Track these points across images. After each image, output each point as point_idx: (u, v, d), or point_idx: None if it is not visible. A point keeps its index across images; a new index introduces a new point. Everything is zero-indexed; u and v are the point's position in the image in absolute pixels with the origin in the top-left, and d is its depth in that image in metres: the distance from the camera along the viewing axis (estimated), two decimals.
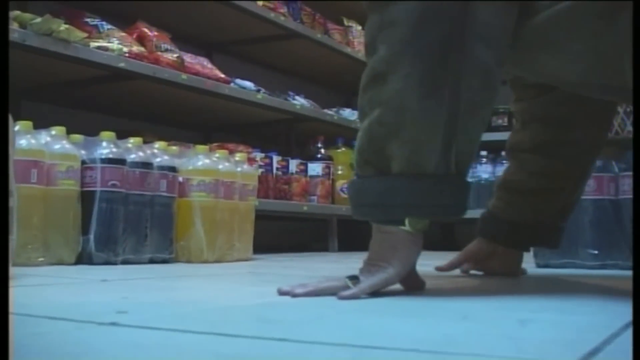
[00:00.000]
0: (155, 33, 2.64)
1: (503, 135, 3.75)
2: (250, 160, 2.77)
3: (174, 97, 2.79)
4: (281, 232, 3.68)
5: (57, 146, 1.80)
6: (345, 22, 3.93)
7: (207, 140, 3.28)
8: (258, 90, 2.99)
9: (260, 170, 2.86)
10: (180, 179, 2.12)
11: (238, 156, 2.36)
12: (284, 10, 3.27)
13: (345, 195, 3.44)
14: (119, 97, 2.79)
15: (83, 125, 2.77)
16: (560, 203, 1.62)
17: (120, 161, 1.91)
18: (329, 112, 3.53)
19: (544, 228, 1.63)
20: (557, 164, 1.57)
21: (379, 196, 1.11)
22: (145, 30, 2.61)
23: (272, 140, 3.52)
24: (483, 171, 3.92)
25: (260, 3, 3.11)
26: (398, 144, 1.08)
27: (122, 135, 2.65)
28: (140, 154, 2.00)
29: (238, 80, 3.01)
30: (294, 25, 3.29)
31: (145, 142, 2.24)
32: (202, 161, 2.17)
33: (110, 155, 1.90)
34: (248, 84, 3.01)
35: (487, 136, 3.93)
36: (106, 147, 1.91)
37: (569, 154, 1.58)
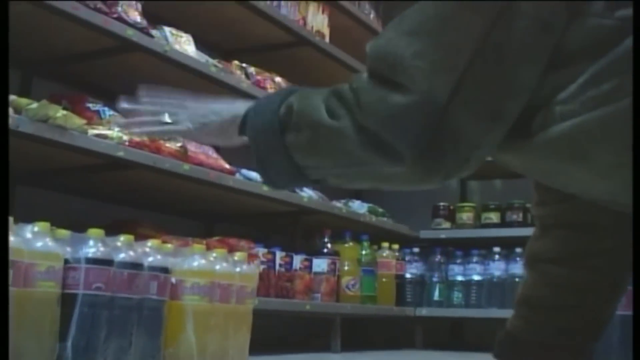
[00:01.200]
0: None
1: (517, 232, 3.68)
2: (252, 257, 2.62)
3: (176, 187, 2.67)
4: (281, 326, 3.50)
5: (38, 244, 1.66)
6: None
7: (208, 231, 3.15)
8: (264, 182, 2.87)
9: (262, 266, 2.71)
10: (173, 280, 1.97)
11: (237, 255, 2.21)
12: None
13: (352, 293, 3.27)
14: (117, 185, 2.68)
15: (78, 212, 2.66)
16: (590, 321, 1.43)
17: (107, 262, 1.76)
18: (338, 204, 3.39)
19: (570, 349, 1.45)
20: (585, 276, 1.38)
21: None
22: None
23: (277, 231, 3.39)
24: (496, 268, 3.74)
25: (270, 89, 3.03)
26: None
27: (118, 224, 2.54)
28: (131, 253, 1.86)
29: (244, 171, 2.89)
30: None
31: (140, 235, 2.11)
32: (198, 261, 2.02)
33: (97, 255, 1.75)
34: (254, 174, 2.88)
35: (501, 232, 3.88)
36: (93, 245, 1.76)
37: (599, 265, 1.38)
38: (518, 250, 3.58)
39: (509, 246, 3.69)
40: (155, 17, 2.99)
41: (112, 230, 2.39)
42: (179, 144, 2.50)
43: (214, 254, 2.10)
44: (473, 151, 1.08)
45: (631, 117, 0.98)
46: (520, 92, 1.05)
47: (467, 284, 3.73)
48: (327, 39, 3.53)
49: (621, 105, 0.99)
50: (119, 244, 1.86)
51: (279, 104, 1.18)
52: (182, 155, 2.49)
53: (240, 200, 2.91)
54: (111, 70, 2.68)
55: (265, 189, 2.84)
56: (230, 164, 2.80)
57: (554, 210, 1.40)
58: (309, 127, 1.14)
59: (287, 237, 3.29)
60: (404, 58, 1.05)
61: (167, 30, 2.66)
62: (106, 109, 2.39)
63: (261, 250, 2.75)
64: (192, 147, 2.60)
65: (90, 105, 2.38)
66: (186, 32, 2.98)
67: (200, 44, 3.21)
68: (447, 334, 4.02)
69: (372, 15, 4.03)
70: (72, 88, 2.68)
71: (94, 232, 1.80)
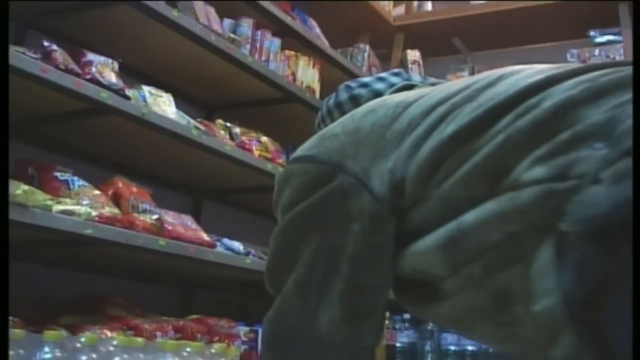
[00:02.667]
0: (135, 190, 2.35)
1: None
2: (232, 338, 2.42)
3: (151, 260, 2.46)
4: None
5: None
6: None
7: (186, 303, 2.95)
8: (247, 254, 2.67)
9: (244, 347, 2.50)
10: None
11: (215, 347, 2.00)
12: (283, 160, 3.00)
13: None
14: (86, 261, 2.47)
15: (44, 284, 2.45)
16: None
17: None
18: None
19: None
20: None
21: None
22: (123, 186, 2.31)
23: (260, 299, 3.17)
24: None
25: (256, 154, 2.84)
26: None
27: (86, 302, 2.33)
28: (94, 355, 1.65)
29: (225, 240, 2.70)
30: None
31: (108, 317, 1.90)
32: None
33: None
34: (236, 245, 2.69)
35: None
36: (49, 352, 1.55)
37: None
38: None
39: None
40: (135, 71, 2.82)
41: (79, 309, 2.18)
42: (154, 217, 2.30)
43: (188, 349, 1.89)
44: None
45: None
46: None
47: (461, 355, 3.54)
48: (317, 94, 3.36)
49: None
50: (79, 345, 1.65)
51: None
52: (158, 229, 2.28)
53: (221, 272, 2.71)
54: (85, 133, 2.49)
55: (247, 262, 2.63)
56: (211, 232, 2.61)
57: None
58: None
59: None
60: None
61: (146, 90, 2.47)
62: (75, 178, 2.18)
63: (243, 330, 2.54)
64: (169, 219, 2.40)
65: (58, 174, 2.18)
66: (168, 85, 2.82)
67: (182, 99, 3.05)
68: None
69: (364, 68, 3.88)
70: (42, 150, 2.48)
71: (50, 335, 1.59)
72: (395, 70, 1.44)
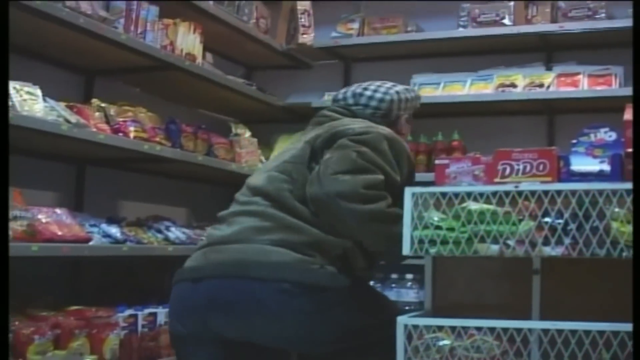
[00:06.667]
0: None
1: None
2: (111, 327, 2.54)
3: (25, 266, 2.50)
4: None
5: None
6: (234, 129, 3.73)
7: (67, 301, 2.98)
8: (125, 241, 2.75)
9: (124, 332, 2.64)
10: None
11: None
12: (160, 137, 3.04)
13: None
14: None
15: None
16: None
17: None
18: None
19: None
20: None
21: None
22: None
23: (146, 290, 3.28)
24: None
25: (132, 134, 2.87)
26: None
27: None
28: None
29: (104, 226, 2.76)
30: (171, 152, 3.07)
31: None
32: None
33: None
34: (114, 231, 2.76)
35: None
36: None
37: None
38: None
39: None
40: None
41: None
42: (25, 222, 2.34)
43: None
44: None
45: None
46: None
47: None
48: (198, 60, 3.36)
49: None
50: None
51: None
52: (30, 235, 2.33)
53: (101, 260, 2.79)
54: None
55: (125, 249, 2.72)
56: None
57: None
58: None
59: (156, 291, 3.19)
60: None
61: (12, 86, 2.43)
62: None
63: (121, 316, 2.66)
64: (42, 218, 2.43)
65: None
66: (42, 56, 2.82)
67: (62, 67, 3.02)
68: None
69: (252, 21, 3.86)
70: None
71: None
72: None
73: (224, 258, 1.90)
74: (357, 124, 2.06)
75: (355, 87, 2.26)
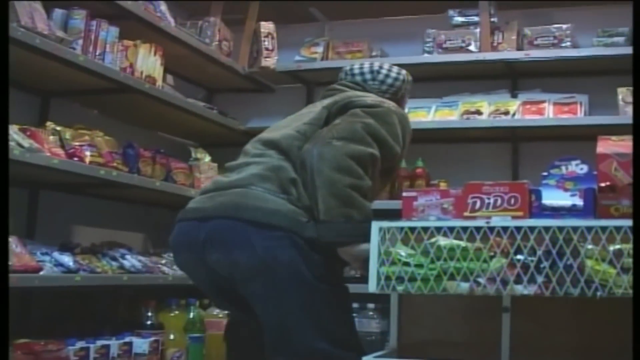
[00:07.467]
0: None
1: None
2: None
3: None
4: None
5: None
6: (193, 154, 3.63)
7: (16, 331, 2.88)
8: (77, 270, 2.63)
9: None
10: None
11: None
12: (117, 161, 2.93)
13: None
14: None
15: None
16: None
17: None
18: (164, 269, 3.18)
19: None
20: None
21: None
22: None
23: (100, 310, 3.16)
24: None
25: (88, 159, 2.76)
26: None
27: None
28: None
29: (56, 254, 2.64)
30: (128, 178, 2.96)
31: None
32: None
33: None
34: (67, 260, 2.64)
35: None
36: None
37: None
38: None
39: None
40: None
41: None
42: None
43: None
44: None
45: None
46: None
47: None
48: (159, 83, 3.27)
49: None
50: None
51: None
52: None
53: (51, 292, 2.67)
54: None
55: (77, 279, 2.61)
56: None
57: None
58: None
59: (107, 321, 3.08)
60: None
61: None
62: None
63: (72, 349, 2.53)
64: None
65: None
66: None
67: (17, 87, 2.90)
68: None
69: (214, 43, 3.78)
70: None
71: None
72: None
73: (225, 200, 2.03)
74: (370, 97, 2.22)
75: (368, 65, 2.41)
